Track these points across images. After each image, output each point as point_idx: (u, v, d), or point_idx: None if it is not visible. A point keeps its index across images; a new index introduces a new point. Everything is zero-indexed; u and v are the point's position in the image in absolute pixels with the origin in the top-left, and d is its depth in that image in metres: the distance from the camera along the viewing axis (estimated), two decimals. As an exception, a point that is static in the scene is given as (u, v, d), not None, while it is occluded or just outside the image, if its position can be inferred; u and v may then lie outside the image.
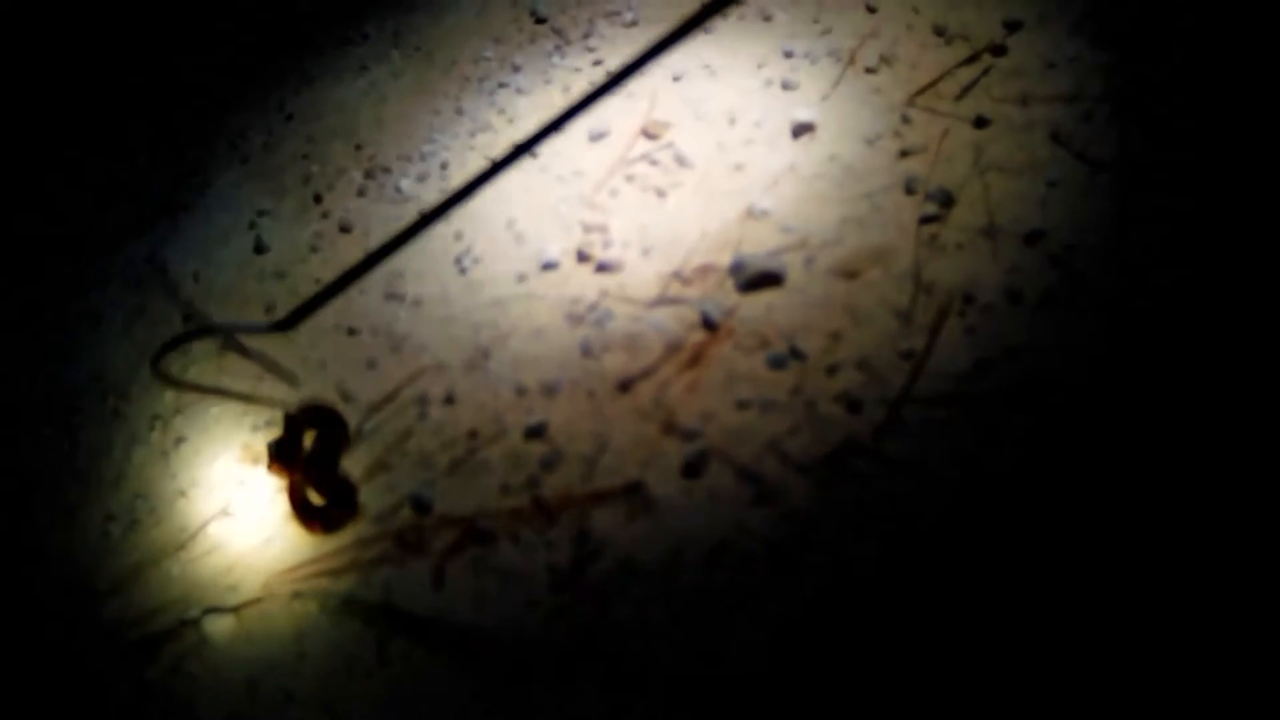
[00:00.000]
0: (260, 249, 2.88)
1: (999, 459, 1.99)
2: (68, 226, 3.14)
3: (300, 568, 2.27)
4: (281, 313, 2.71)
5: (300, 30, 3.47)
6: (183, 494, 2.45)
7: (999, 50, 2.63)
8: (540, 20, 3.15)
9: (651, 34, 3.02)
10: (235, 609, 2.25)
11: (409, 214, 2.80)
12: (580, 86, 2.96)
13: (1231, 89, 2.37)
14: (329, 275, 2.75)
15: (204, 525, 2.39)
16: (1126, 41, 2.56)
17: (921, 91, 2.62)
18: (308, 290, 2.73)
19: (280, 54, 3.42)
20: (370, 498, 2.30)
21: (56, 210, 3.19)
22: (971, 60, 2.64)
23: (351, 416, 2.46)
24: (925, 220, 2.38)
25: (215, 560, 2.34)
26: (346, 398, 2.50)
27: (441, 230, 2.74)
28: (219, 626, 2.22)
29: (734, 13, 2.98)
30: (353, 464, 2.38)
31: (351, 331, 2.62)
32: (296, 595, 2.23)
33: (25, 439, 2.68)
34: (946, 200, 2.39)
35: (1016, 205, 2.34)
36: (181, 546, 2.38)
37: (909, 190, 2.44)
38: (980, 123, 2.51)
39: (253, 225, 2.95)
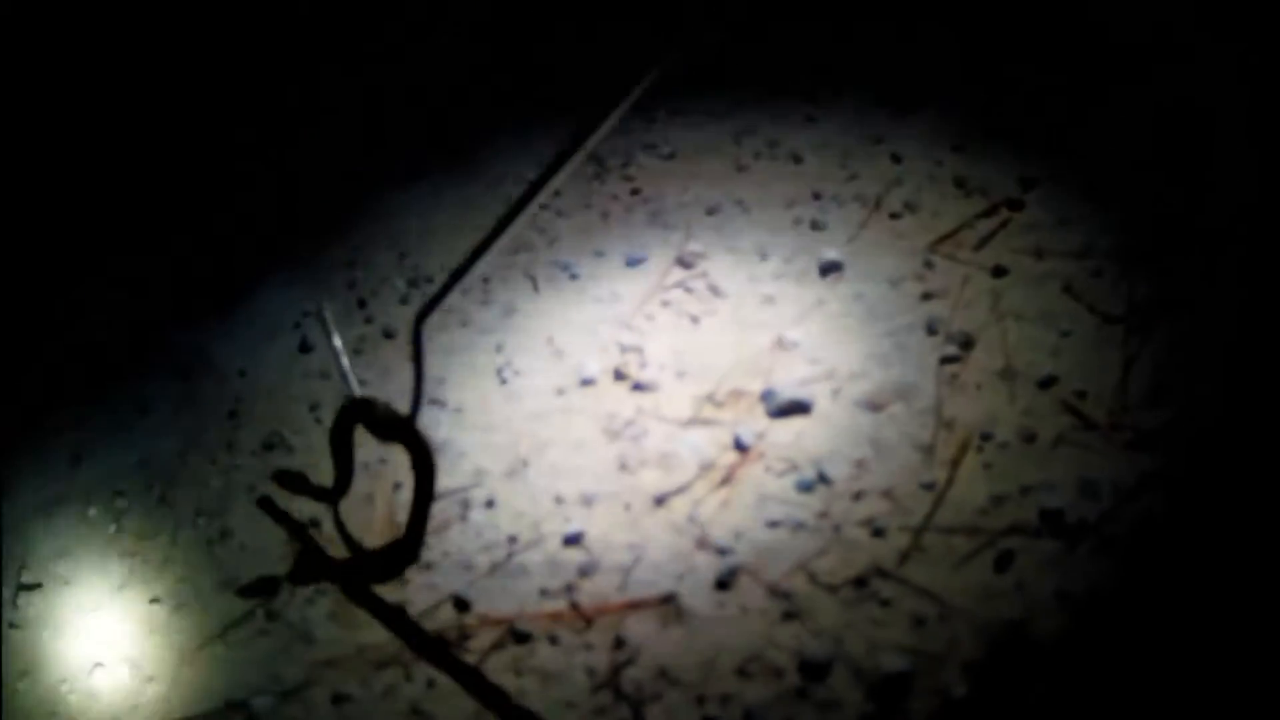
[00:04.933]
0: (305, 348, 3.02)
1: (1013, 589, 2.13)
2: (118, 315, 3.28)
3: (341, 660, 2.38)
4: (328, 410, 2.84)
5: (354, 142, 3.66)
6: (226, 582, 2.56)
7: (1016, 205, 2.82)
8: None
9: (687, 168, 3.21)
10: (279, 694, 2.35)
11: (450, 324, 2.95)
12: (618, 213, 3.14)
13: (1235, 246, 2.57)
14: (372, 375, 2.89)
15: (248, 612, 2.50)
16: (1133, 203, 2.75)
17: (943, 239, 2.81)
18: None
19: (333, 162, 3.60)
20: (413, 594, 2.42)
21: (108, 299, 3.32)
22: (990, 213, 2.83)
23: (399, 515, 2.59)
24: (946, 360, 2.54)
25: (260, 645, 2.45)
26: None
27: (483, 342, 2.89)
28: (266, 707, 2.32)
29: (766, 154, 3.18)
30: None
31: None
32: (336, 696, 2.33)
33: (71, 520, 2.78)
34: (966, 343, 2.56)
35: (1032, 351, 2.51)
36: (221, 635, 2.49)
37: (931, 331, 2.61)
38: (998, 272, 2.69)
39: (298, 325, 3.10)
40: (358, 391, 2.57)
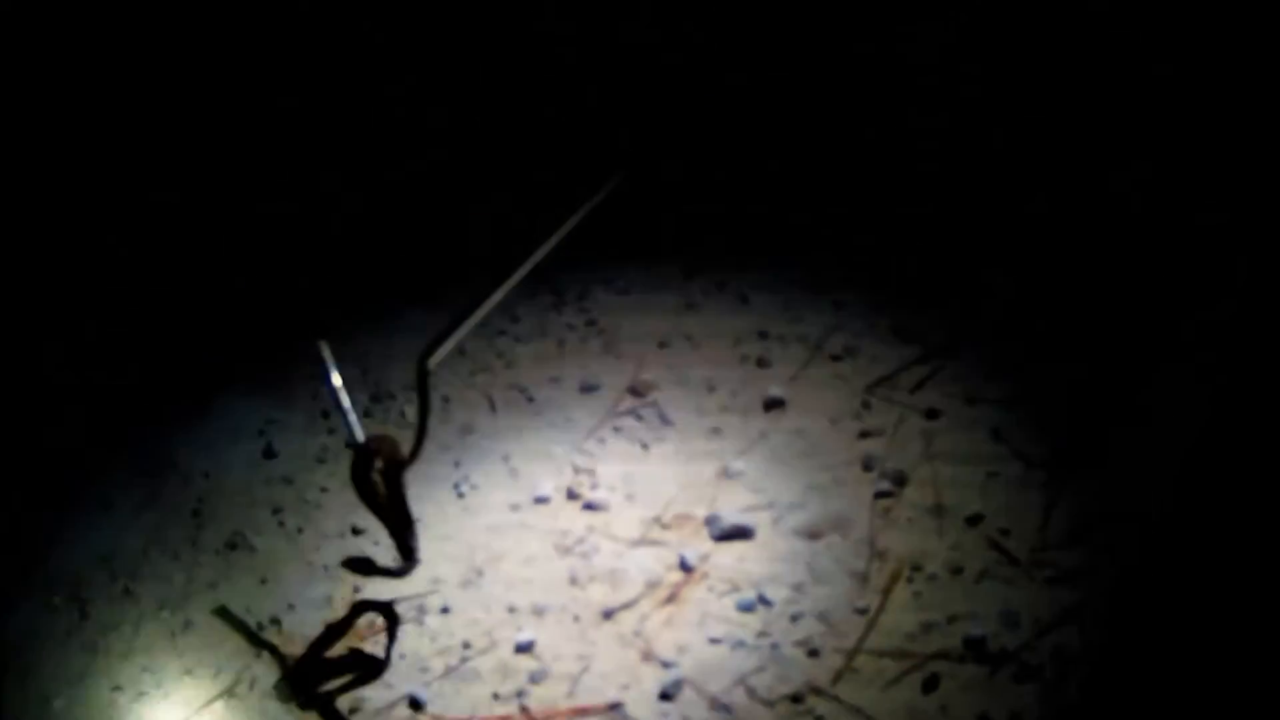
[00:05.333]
0: (270, 454, 3.14)
1: (938, 710, 2.29)
2: (82, 412, 3.37)
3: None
4: (311, 505, 2.95)
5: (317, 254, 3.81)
6: (188, 672, 2.64)
7: (950, 353, 3.04)
8: (541, 279, 3.51)
9: (640, 302, 3.40)
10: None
11: (410, 439, 3.09)
12: (574, 342, 3.31)
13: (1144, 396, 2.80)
14: (334, 485, 3.01)
15: (209, 702, 2.58)
16: (1059, 355, 2.98)
17: (880, 382, 3.01)
18: (314, 498, 2.98)
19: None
20: (370, 693, 2.52)
21: (72, 396, 3.41)
22: (925, 359, 3.04)
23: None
24: (880, 495, 2.73)
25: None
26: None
27: (442, 457, 3.03)
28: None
29: (715, 293, 3.38)
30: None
31: (355, 531, 2.87)
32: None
33: (36, 607, 2.85)
34: (900, 479, 2.75)
35: (960, 490, 2.71)
36: (185, 720, 2.57)
37: (867, 467, 2.80)
38: (931, 414, 2.89)
39: (262, 432, 3.21)
40: (359, 434, 2.64)
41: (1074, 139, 3.55)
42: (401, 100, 4.21)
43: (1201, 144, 3.36)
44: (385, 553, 2.79)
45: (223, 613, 2.75)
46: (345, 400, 2.71)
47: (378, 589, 2.73)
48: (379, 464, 2.55)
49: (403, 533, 2.64)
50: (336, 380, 2.76)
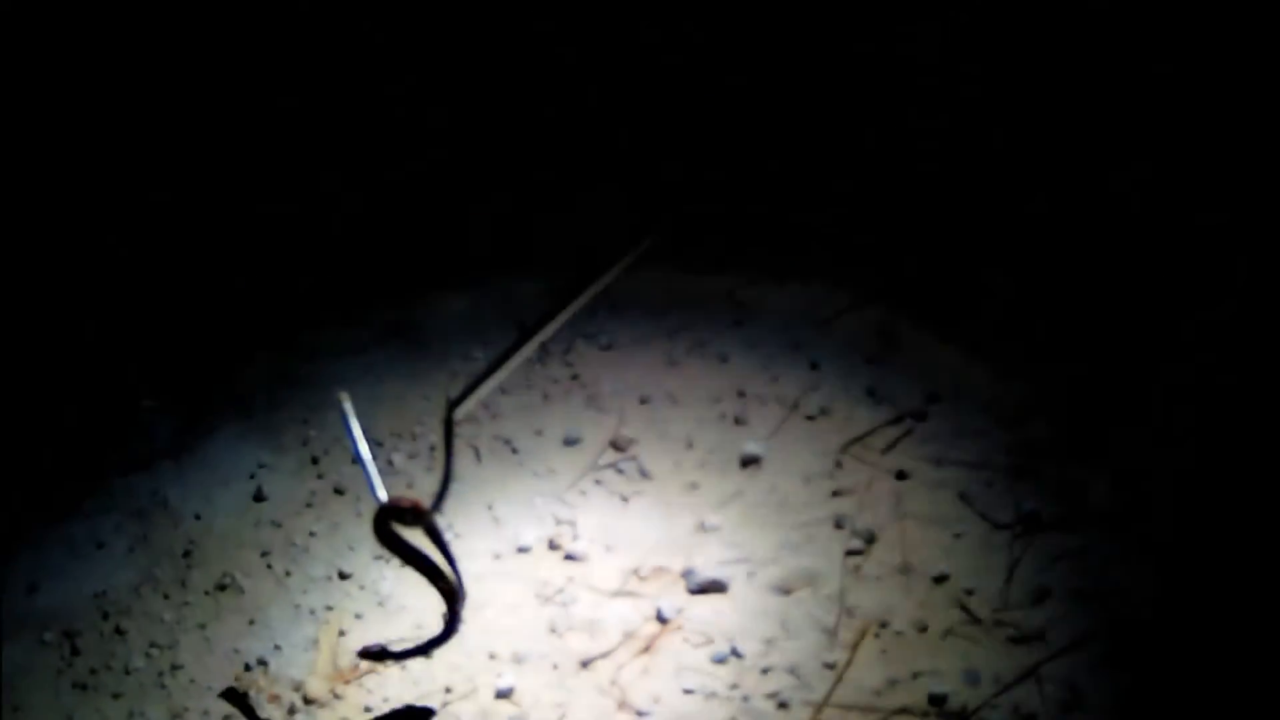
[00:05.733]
0: (260, 498, 3.22)
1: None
2: (74, 455, 3.44)
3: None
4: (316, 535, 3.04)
5: (303, 307, 3.89)
6: (176, 715, 2.72)
7: (920, 416, 3.15)
8: (527, 332, 3.62)
9: (623, 358, 3.50)
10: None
11: (397, 487, 3.18)
12: (557, 395, 3.41)
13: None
14: (322, 529, 3.10)
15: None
16: (1022, 421, 3.09)
17: (853, 442, 3.12)
18: (302, 541, 3.07)
19: (285, 326, 3.82)
20: (353, 736, 2.61)
21: (65, 438, 3.49)
22: (896, 421, 3.16)
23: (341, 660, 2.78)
24: (850, 553, 2.83)
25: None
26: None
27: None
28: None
29: (696, 351, 3.49)
30: (343, 707, 2.68)
31: (343, 575, 2.96)
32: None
33: (28, 643, 2.92)
34: (869, 538, 2.86)
35: (928, 549, 2.81)
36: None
37: (838, 525, 2.90)
38: (901, 475, 3.00)
39: (253, 476, 3.30)
40: (380, 490, 2.63)
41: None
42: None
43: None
44: (369, 598, 2.89)
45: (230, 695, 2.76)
46: (367, 455, 2.70)
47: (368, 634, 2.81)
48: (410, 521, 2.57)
49: (446, 592, 2.65)
50: (358, 433, 2.73)
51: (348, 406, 2.77)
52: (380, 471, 3.13)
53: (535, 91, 4.26)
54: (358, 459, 2.70)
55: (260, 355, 3.74)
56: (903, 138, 3.79)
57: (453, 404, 2.57)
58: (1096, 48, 3.77)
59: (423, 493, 3.01)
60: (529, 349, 2.67)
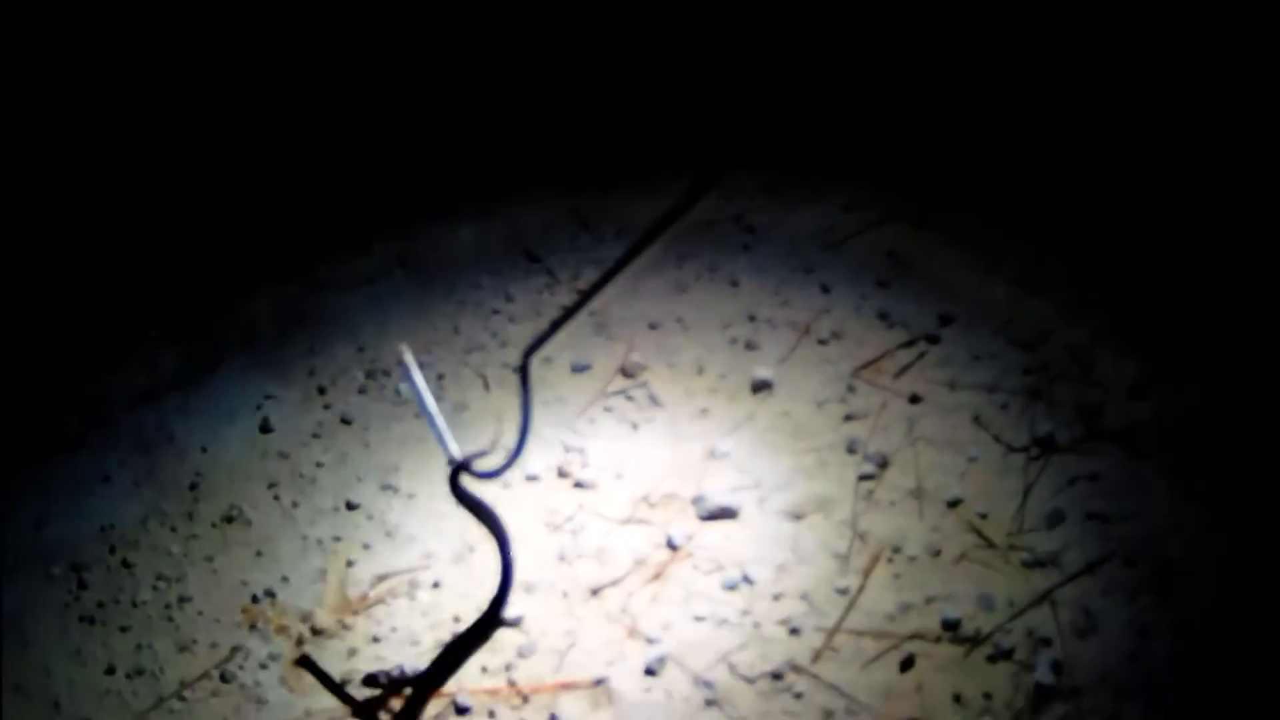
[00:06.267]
0: (266, 429, 3.20)
1: (914, 689, 2.37)
2: (81, 388, 3.43)
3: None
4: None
5: (310, 238, 3.85)
6: (184, 648, 2.71)
7: (933, 339, 3.10)
8: (534, 259, 3.57)
9: (632, 284, 3.45)
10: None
11: (405, 415, 3.15)
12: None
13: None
14: (329, 460, 3.08)
15: (202, 676, 2.65)
16: (1039, 343, 3.04)
17: (865, 366, 3.07)
18: (309, 473, 3.05)
19: (292, 257, 3.78)
20: (361, 664, 2.59)
21: (70, 371, 3.47)
22: (910, 344, 3.11)
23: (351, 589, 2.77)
24: (863, 477, 2.79)
25: (214, 707, 2.61)
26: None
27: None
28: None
29: (705, 275, 3.43)
30: (352, 637, 2.67)
31: (350, 506, 2.94)
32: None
33: (35, 577, 2.92)
34: (882, 462, 2.82)
35: (941, 474, 2.77)
36: (179, 694, 2.64)
37: (850, 450, 2.86)
38: (914, 399, 2.95)
39: (259, 407, 3.27)
40: (452, 445, 2.67)
41: (1074, 139, 3.57)
42: (401, 100, 4.24)
43: (1201, 144, 3.39)
44: (377, 528, 2.87)
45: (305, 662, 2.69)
46: (434, 408, 2.66)
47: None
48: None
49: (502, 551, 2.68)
50: (423, 386, 2.65)
51: (409, 359, 2.68)
52: (389, 400, 3.13)
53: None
54: (424, 413, 2.67)
55: (265, 288, 3.70)
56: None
57: (528, 351, 2.54)
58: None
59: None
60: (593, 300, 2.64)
